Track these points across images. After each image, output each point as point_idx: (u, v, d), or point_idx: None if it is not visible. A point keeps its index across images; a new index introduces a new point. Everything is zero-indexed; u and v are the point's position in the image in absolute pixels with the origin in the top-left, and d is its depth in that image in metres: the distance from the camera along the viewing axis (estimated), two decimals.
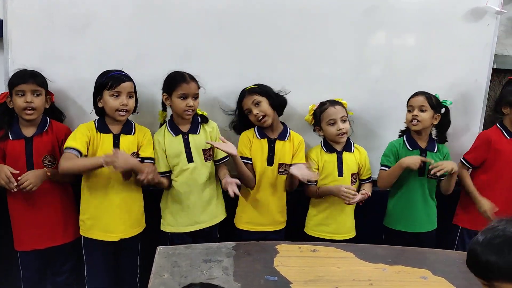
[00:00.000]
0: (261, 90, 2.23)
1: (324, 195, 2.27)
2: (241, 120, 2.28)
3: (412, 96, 2.32)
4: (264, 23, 2.34)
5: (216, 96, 2.32)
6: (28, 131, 2.08)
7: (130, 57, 2.24)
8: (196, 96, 2.13)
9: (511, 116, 2.37)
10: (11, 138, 2.06)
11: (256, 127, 2.27)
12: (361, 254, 1.79)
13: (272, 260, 1.71)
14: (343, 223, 2.32)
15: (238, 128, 2.30)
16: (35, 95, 2.04)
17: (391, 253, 1.82)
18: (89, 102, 2.12)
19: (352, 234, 2.35)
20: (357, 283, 1.60)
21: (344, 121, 2.25)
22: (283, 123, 2.31)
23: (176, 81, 2.11)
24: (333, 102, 2.27)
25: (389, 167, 2.31)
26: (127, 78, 2.06)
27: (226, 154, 2.20)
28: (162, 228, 2.23)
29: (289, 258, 1.75)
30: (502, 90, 2.47)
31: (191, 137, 2.16)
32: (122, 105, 2.02)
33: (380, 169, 2.34)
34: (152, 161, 2.14)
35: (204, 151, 2.18)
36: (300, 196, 2.36)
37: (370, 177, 2.36)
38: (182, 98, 2.10)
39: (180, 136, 2.15)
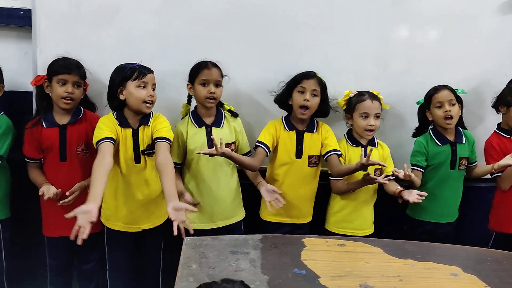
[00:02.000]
0: (323, 87, 2.19)
1: (356, 188, 2.21)
2: (285, 93, 2.21)
3: (436, 92, 2.25)
4: (288, 14, 2.31)
5: (239, 87, 2.30)
6: (62, 119, 2.10)
7: (154, 48, 2.25)
8: (218, 84, 2.09)
9: (508, 115, 2.31)
10: (44, 126, 2.08)
11: (284, 117, 2.24)
12: (389, 249, 1.76)
13: (299, 254, 1.69)
14: (365, 218, 2.29)
15: (280, 101, 2.23)
16: (76, 86, 2.06)
17: (420, 249, 1.79)
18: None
19: (371, 230, 2.32)
20: (387, 278, 1.57)
21: (377, 117, 2.21)
22: None
23: (198, 68, 2.10)
24: (372, 96, 2.23)
25: (420, 167, 2.28)
26: (150, 70, 2.04)
27: (249, 150, 2.19)
28: None
29: (316, 252, 1.73)
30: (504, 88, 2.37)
31: (214, 130, 2.13)
32: (149, 95, 2.00)
33: (413, 170, 2.28)
34: (169, 142, 2.03)
35: (226, 145, 2.12)
36: (320, 191, 2.33)
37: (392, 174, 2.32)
38: (203, 85, 2.08)
39: (204, 128, 2.13)
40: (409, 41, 2.45)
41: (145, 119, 2.07)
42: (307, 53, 2.34)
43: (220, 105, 2.22)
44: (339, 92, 2.32)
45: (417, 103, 2.36)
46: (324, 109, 2.23)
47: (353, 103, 2.23)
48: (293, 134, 2.22)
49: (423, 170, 2.28)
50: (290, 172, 2.22)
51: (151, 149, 2.06)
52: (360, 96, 2.23)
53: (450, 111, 2.21)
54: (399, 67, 2.45)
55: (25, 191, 2.19)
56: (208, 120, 2.16)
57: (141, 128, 2.05)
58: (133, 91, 1.99)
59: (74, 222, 2.08)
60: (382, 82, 2.39)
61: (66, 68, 2.04)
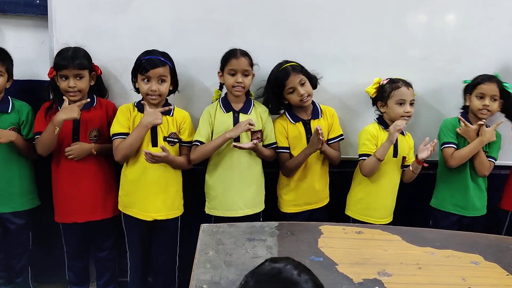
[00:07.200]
0: (303, 70, 2.17)
1: (384, 153, 2.13)
2: (274, 99, 2.19)
3: (483, 82, 2.20)
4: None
5: (257, 73, 2.27)
6: None
7: (171, 35, 2.24)
8: (246, 73, 2.09)
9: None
10: None
11: (286, 111, 2.23)
12: (407, 237, 1.74)
13: (316, 241, 1.69)
14: (389, 207, 2.27)
15: (274, 108, 2.22)
16: (78, 78, 2.05)
17: (439, 237, 1.77)
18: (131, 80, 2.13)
19: (390, 218, 2.29)
20: (405, 266, 1.55)
21: (411, 105, 2.18)
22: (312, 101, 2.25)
23: (227, 57, 2.10)
24: (407, 83, 2.19)
25: (455, 144, 2.24)
26: (161, 63, 2.03)
27: (275, 141, 2.19)
28: (206, 210, 2.22)
29: (333, 239, 1.72)
30: None
31: (241, 116, 2.13)
32: (151, 90, 2.03)
33: (448, 147, 2.25)
34: (190, 145, 2.14)
35: (253, 133, 2.13)
36: (341, 175, 2.33)
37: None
38: (231, 74, 2.08)
39: (231, 114, 2.13)
40: (428, 26, 2.39)
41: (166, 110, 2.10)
42: (324, 39, 2.31)
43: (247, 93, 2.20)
44: (355, 78, 2.30)
45: (464, 82, 2.31)
46: (313, 85, 2.19)
47: (387, 90, 2.19)
48: (300, 125, 2.21)
49: (455, 147, 2.24)
50: (307, 161, 2.19)
51: (174, 138, 2.09)
52: (395, 83, 2.20)
53: (488, 106, 2.18)
54: (417, 52, 2.39)
55: (41, 180, 2.23)
56: (237, 106, 2.15)
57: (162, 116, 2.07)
58: (139, 84, 2.07)
59: (83, 208, 2.13)
60: (400, 68, 2.33)
61: (63, 61, 2.02)
